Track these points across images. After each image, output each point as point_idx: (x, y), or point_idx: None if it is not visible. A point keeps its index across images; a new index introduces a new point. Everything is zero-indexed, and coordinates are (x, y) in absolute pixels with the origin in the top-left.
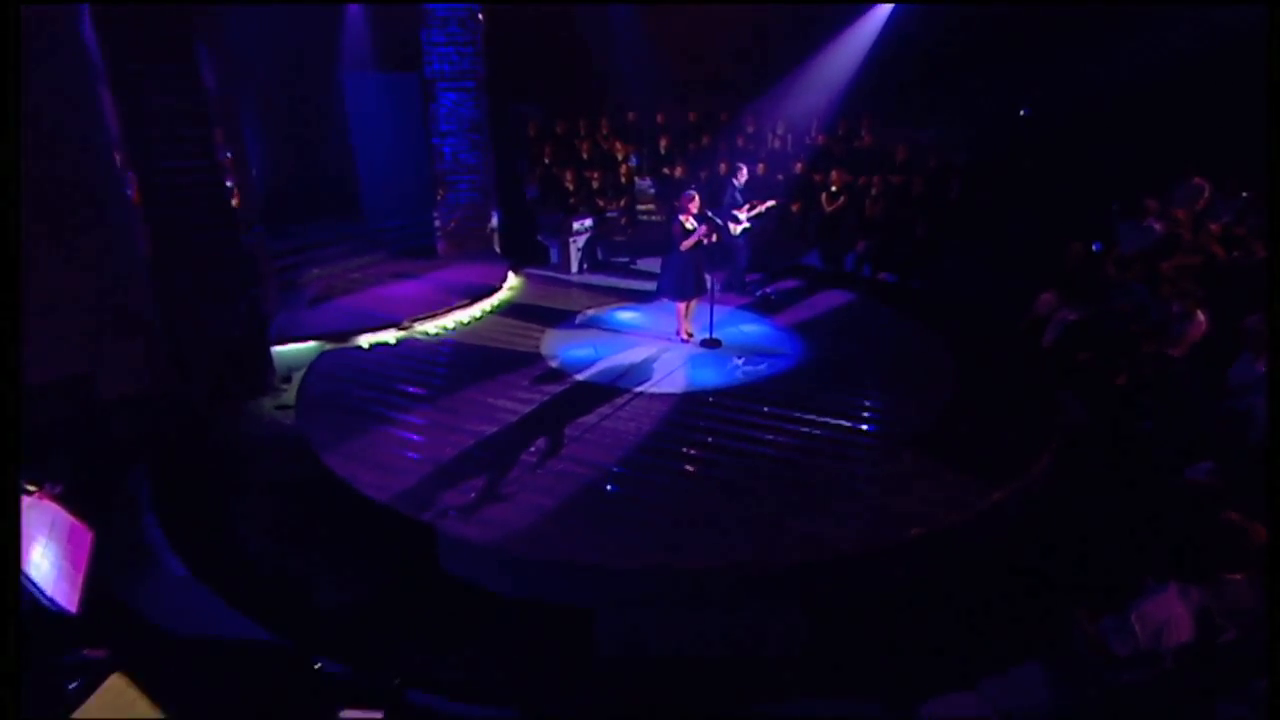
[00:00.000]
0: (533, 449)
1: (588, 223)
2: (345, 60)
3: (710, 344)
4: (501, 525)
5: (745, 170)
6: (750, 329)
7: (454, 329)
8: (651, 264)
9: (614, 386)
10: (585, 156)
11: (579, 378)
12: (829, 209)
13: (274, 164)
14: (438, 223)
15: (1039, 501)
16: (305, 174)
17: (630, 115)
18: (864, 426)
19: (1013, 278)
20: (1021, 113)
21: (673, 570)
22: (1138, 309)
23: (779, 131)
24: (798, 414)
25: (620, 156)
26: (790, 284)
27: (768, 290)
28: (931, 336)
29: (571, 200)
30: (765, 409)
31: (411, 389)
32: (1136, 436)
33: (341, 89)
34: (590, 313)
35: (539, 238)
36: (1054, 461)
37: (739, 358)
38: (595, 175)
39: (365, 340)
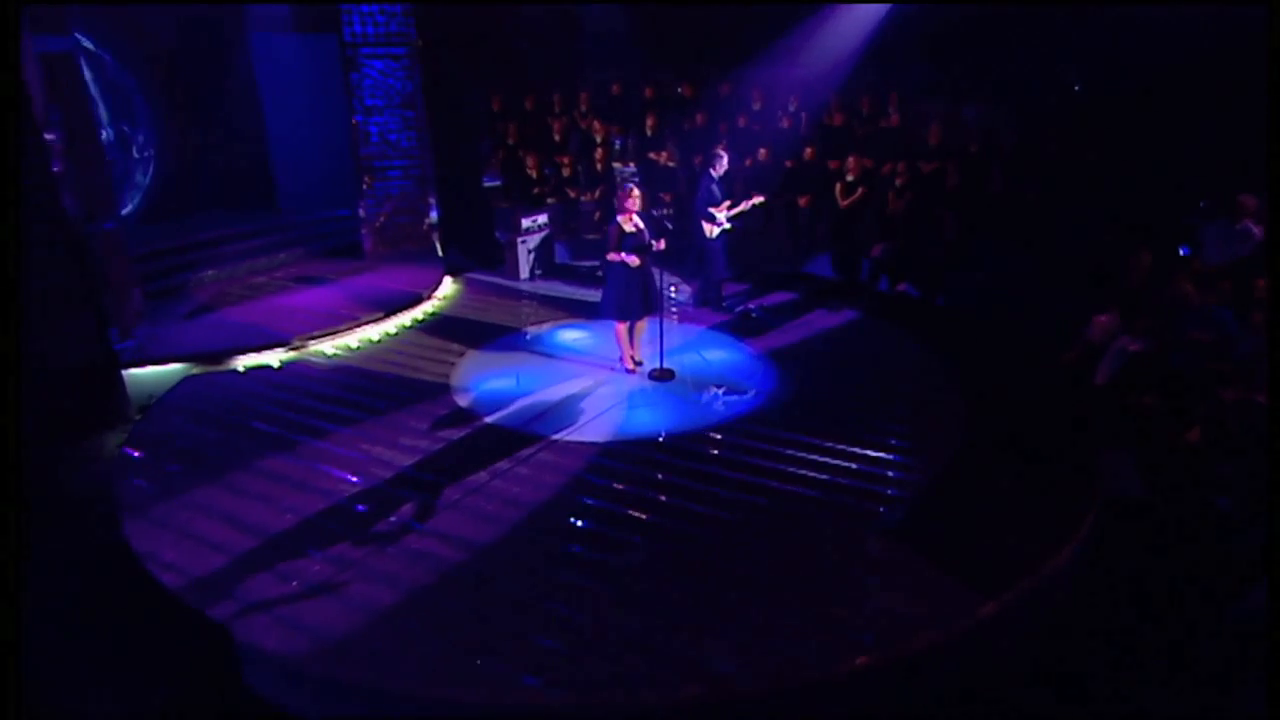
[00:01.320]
0: (392, 519)
1: (541, 219)
2: (255, 16)
3: (660, 376)
4: (313, 629)
5: (725, 159)
6: (717, 356)
7: (358, 349)
8: None
9: (525, 432)
10: (558, 138)
11: (487, 419)
12: (844, 203)
13: (175, 142)
14: (363, 215)
15: (1048, 620)
16: (210, 154)
17: (615, 88)
18: (824, 497)
19: (1061, 293)
20: (1075, 88)
21: (523, 710)
22: (1221, 340)
23: (790, 109)
24: (742, 476)
25: (599, 138)
26: (782, 298)
27: (750, 306)
28: (947, 369)
29: (536, 190)
30: (702, 468)
31: (273, 430)
32: (1206, 518)
33: (249, 51)
34: (528, 331)
35: (497, 234)
36: (1080, 556)
37: (693, 395)
38: (566, 160)
39: (243, 363)
